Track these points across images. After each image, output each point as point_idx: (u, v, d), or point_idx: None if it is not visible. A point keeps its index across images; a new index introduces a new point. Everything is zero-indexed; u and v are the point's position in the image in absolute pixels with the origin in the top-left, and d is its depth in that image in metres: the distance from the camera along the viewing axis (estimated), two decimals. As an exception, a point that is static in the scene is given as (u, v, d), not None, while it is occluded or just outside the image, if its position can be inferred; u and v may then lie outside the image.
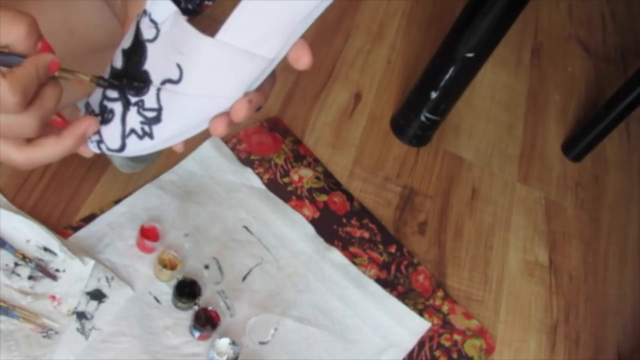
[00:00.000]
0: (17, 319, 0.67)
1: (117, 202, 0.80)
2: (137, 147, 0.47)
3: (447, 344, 0.85)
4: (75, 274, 0.71)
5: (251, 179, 0.88)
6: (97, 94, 0.48)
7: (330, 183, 0.94)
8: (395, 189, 0.99)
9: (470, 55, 0.91)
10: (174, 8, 0.42)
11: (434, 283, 0.90)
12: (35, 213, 0.76)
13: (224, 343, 0.71)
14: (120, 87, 0.46)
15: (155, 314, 0.73)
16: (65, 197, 0.79)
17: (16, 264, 0.70)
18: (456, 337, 0.86)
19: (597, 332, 0.97)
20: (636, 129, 1.29)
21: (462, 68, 0.94)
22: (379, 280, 0.86)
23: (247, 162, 0.90)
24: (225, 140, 0.91)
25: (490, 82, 1.21)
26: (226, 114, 0.45)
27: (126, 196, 0.80)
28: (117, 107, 0.46)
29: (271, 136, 0.95)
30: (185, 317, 0.74)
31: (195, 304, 0.74)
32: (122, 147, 0.47)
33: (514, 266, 0.98)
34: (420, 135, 1.05)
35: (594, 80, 1.34)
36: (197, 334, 0.72)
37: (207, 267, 0.78)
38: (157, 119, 0.45)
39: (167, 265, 0.74)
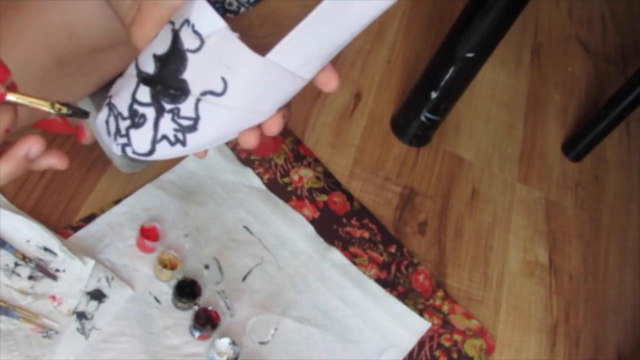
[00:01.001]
0: (17, 319, 0.67)
1: (117, 202, 0.80)
2: (166, 152, 0.47)
3: (447, 344, 0.85)
4: (75, 274, 0.71)
5: (251, 179, 0.88)
6: (125, 95, 0.48)
7: (330, 183, 0.94)
8: (395, 189, 0.99)
9: (470, 55, 0.91)
10: (222, 23, 0.42)
11: (434, 283, 0.90)
12: (35, 213, 0.76)
13: (224, 343, 0.71)
14: (153, 92, 0.46)
15: (155, 314, 0.73)
16: (65, 197, 0.79)
17: (16, 264, 0.70)
18: (456, 337, 0.86)
19: (597, 332, 0.97)
20: (636, 129, 1.29)
21: (462, 68, 0.94)
22: (379, 280, 0.86)
23: (247, 162, 0.90)
24: (225, 140, 0.91)
25: (490, 82, 1.21)
26: (257, 127, 0.47)
27: (126, 196, 0.80)
28: (150, 112, 0.46)
29: (271, 136, 0.94)
30: (185, 317, 0.74)
31: (195, 304, 0.74)
32: (151, 152, 0.48)
33: (514, 266, 0.98)
34: (420, 135, 1.05)
35: (594, 80, 1.34)
36: (197, 334, 0.72)
37: (207, 267, 0.78)
38: (193, 128, 0.46)
39: (167, 265, 0.74)
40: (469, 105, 1.15)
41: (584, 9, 1.49)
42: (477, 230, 1.00)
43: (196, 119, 0.46)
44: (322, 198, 0.91)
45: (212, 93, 0.44)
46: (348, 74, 1.10)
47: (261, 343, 0.76)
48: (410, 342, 0.82)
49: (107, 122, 0.50)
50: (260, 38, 0.47)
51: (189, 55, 0.44)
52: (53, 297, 0.70)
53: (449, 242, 0.96)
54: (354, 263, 0.86)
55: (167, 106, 0.46)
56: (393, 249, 0.91)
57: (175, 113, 0.46)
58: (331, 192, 0.93)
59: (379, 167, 1.00)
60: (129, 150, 0.48)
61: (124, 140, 0.48)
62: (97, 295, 0.71)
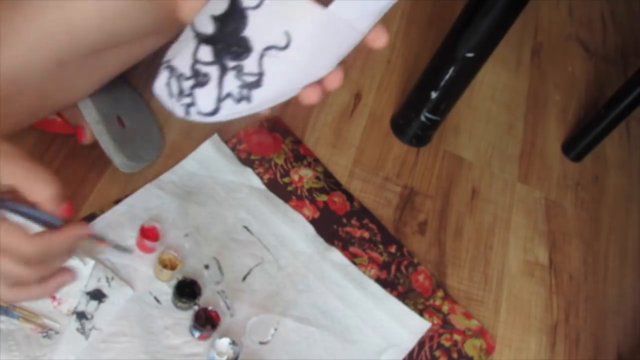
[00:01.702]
0: (17, 319, 0.67)
1: (117, 202, 0.80)
2: (232, 110, 0.48)
3: (447, 344, 0.85)
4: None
5: (251, 179, 0.88)
6: (185, 56, 0.48)
7: (330, 183, 0.94)
8: (395, 189, 0.99)
9: (470, 55, 0.91)
10: None
11: (434, 283, 0.90)
12: (35, 213, 0.76)
13: (224, 343, 0.71)
14: (215, 51, 0.46)
15: (155, 314, 0.73)
16: (65, 197, 0.79)
17: (16, 264, 0.70)
18: (456, 337, 0.86)
19: (597, 332, 0.97)
20: (636, 129, 1.29)
21: (462, 68, 0.94)
22: (379, 280, 0.86)
23: (247, 162, 0.90)
24: (225, 140, 0.91)
25: (490, 82, 1.21)
26: (318, 83, 0.48)
27: (126, 196, 0.80)
28: (213, 71, 0.47)
29: (271, 136, 0.95)
30: (185, 317, 0.74)
31: (195, 304, 0.74)
32: (216, 111, 0.48)
33: (514, 266, 0.98)
34: (420, 135, 1.05)
35: (594, 80, 1.34)
36: (197, 334, 0.72)
37: (207, 267, 0.78)
38: (257, 84, 0.46)
39: (167, 265, 0.74)
40: (469, 105, 1.15)
41: (584, 9, 1.49)
42: (477, 230, 1.00)
43: (260, 75, 0.46)
44: (322, 198, 0.91)
45: (275, 47, 0.45)
46: (348, 74, 1.10)
47: (261, 343, 0.76)
48: (410, 342, 0.82)
49: (167, 84, 0.50)
50: None
51: (249, 13, 0.45)
52: (53, 297, 0.70)
53: (449, 242, 0.97)
54: (354, 263, 0.86)
55: (230, 63, 0.46)
56: (393, 249, 0.91)
57: (239, 70, 0.46)
58: (331, 192, 0.93)
59: (379, 167, 1.00)
60: (192, 110, 0.48)
61: (188, 100, 0.48)
62: (97, 295, 0.71)
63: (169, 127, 0.89)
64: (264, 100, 0.48)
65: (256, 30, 0.45)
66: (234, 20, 0.45)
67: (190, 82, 0.48)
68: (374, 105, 1.08)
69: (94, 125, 0.75)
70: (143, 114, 0.87)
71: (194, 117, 0.49)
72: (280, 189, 0.90)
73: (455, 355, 0.84)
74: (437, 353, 0.83)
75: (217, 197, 0.85)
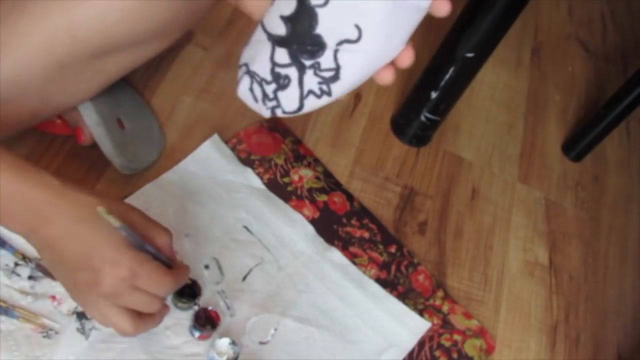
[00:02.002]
0: (17, 319, 0.67)
1: (117, 202, 0.80)
2: (314, 104, 0.50)
3: (447, 344, 0.85)
4: (75, 274, 0.71)
5: (251, 179, 0.88)
6: (263, 61, 0.50)
7: (330, 183, 0.94)
8: (395, 189, 0.99)
9: (470, 55, 0.91)
10: None
11: (434, 283, 0.90)
12: (35, 213, 0.76)
13: (224, 343, 0.71)
14: (291, 52, 0.48)
15: (155, 314, 0.73)
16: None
17: (16, 264, 0.70)
18: (456, 337, 0.86)
19: (597, 332, 0.97)
20: (636, 129, 1.29)
21: (462, 68, 0.94)
22: (379, 280, 0.86)
23: (247, 162, 0.90)
24: (225, 140, 0.91)
25: (490, 82, 1.21)
26: (391, 63, 0.50)
27: (126, 196, 0.80)
28: (292, 72, 0.49)
29: (271, 136, 0.95)
30: (185, 317, 0.74)
31: (195, 304, 0.74)
32: (300, 108, 0.50)
33: (514, 266, 0.98)
34: (420, 135, 1.05)
35: (594, 80, 1.34)
36: (197, 334, 0.72)
37: (207, 267, 0.78)
38: (335, 78, 0.48)
39: (167, 265, 0.74)
40: (469, 105, 1.15)
41: (584, 9, 1.49)
42: (477, 230, 1.00)
43: (337, 69, 0.48)
44: (322, 198, 0.91)
45: (348, 41, 0.46)
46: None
47: (261, 343, 0.76)
48: (410, 342, 0.82)
49: (251, 89, 0.52)
50: None
51: (318, 10, 0.46)
52: (53, 297, 0.70)
53: (449, 242, 0.97)
54: (354, 263, 0.86)
55: (307, 62, 0.48)
56: (393, 249, 0.91)
57: (316, 67, 0.48)
58: (331, 192, 0.93)
59: (379, 167, 1.00)
60: (278, 111, 0.51)
61: (273, 103, 0.50)
62: (97, 296, 0.71)
63: (169, 128, 0.89)
64: (343, 90, 0.50)
65: (327, 26, 0.46)
66: (305, 19, 0.47)
67: (272, 86, 0.50)
68: (374, 105, 1.08)
69: (93, 127, 0.75)
70: (143, 115, 0.87)
71: (279, 115, 0.52)
72: (280, 189, 0.90)
73: (455, 355, 0.84)
74: (437, 353, 0.83)
75: (217, 197, 0.85)
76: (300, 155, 0.95)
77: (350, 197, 0.93)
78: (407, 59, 0.50)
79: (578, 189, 1.14)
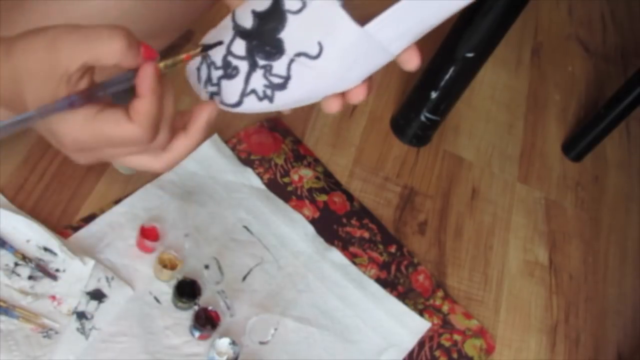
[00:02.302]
0: (17, 319, 0.67)
1: (117, 202, 0.80)
2: (253, 106, 0.49)
3: (447, 344, 0.85)
4: (75, 274, 0.71)
5: (251, 179, 0.88)
6: (220, 47, 0.49)
7: (330, 183, 0.94)
8: (395, 189, 0.99)
9: (470, 55, 0.91)
10: None
11: (434, 283, 0.90)
12: (35, 213, 0.76)
13: (224, 343, 0.71)
14: (249, 47, 0.47)
15: (155, 314, 0.73)
16: (65, 197, 0.79)
17: (16, 264, 0.70)
18: (456, 337, 0.86)
19: (597, 332, 0.97)
20: (636, 129, 1.29)
21: (462, 68, 0.94)
22: (379, 280, 0.86)
23: (247, 162, 0.90)
24: (225, 140, 0.91)
25: (490, 82, 1.21)
26: (341, 94, 0.49)
27: (126, 196, 0.80)
28: (243, 65, 0.48)
29: (271, 136, 0.95)
30: (185, 317, 0.74)
31: (195, 304, 0.74)
32: (238, 104, 0.49)
33: (514, 266, 0.98)
34: (420, 135, 1.05)
35: (594, 80, 1.34)
36: (197, 334, 0.72)
37: (207, 267, 0.78)
38: (282, 86, 0.47)
39: (167, 265, 0.74)
40: (469, 105, 1.15)
41: (584, 9, 1.49)
42: (477, 230, 1.00)
43: (287, 78, 0.47)
44: (322, 198, 0.91)
45: (306, 55, 0.46)
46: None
47: (261, 343, 0.76)
48: (410, 342, 0.82)
49: (198, 69, 0.51)
50: (356, 1, 0.48)
51: (289, 16, 0.45)
52: (53, 297, 0.70)
53: (449, 242, 0.96)
54: (354, 263, 0.86)
55: (261, 62, 0.47)
56: (393, 249, 0.91)
57: (267, 70, 0.47)
58: (331, 192, 0.93)
59: (379, 167, 1.00)
60: (217, 99, 0.50)
61: (214, 89, 0.49)
62: (97, 295, 0.71)
63: (169, 127, 0.89)
64: (285, 102, 0.49)
65: (292, 34, 0.46)
66: (274, 20, 0.46)
67: (219, 72, 0.49)
68: (374, 105, 1.08)
69: None
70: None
71: (218, 105, 0.50)
72: (280, 189, 0.90)
73: (455, 355, 0.84)
74: (437, 353, 0.83)
75: (217, 197, 0.85)
76: (300, 155, 0.95)
77: (350, 197, 0.93)
78: (359, 96, 0.49)
79: (578, 189, 1.14)
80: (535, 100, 1.24)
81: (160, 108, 0.44)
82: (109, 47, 0.42)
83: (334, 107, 0.49)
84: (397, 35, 0.45)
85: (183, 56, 0.46)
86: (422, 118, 1.01)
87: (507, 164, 1.11)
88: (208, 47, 0.48)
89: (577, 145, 1.16)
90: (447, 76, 0.95)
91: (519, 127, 1.18)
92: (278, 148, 0.94)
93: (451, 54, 0.93)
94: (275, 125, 0.96)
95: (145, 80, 0.43)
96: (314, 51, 0.45)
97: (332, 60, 0.45)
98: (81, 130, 0.43)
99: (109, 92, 0.44)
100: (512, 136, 1.16)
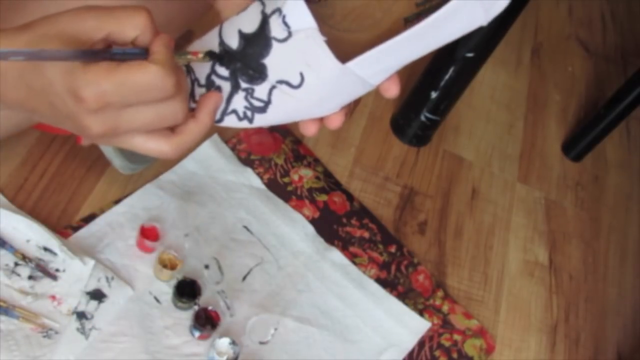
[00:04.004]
0: (17, 319, 0.67)
1: (117, 202, 0.80)
2: (232, 123, 0.50)
3: (447, 343, 0.85)
4: (75, 274, 0.71)
5: (251, 179, 0.88)
6: (205, 64, 0.50)
7: (330, 183, 0.94)
8: (395, 188, 0.99)
9: (470, 55, 0.92)
10: (313, 23, 0.44)
11: (434, 283, 0.90)
12: (35, 213, 0.76)
13: (224, 343, 0.71)
14: (233, 68, 0.48)
15: (155, 314, 0.73)
16: (65, 197, 0.79)
17: (16, 264, 0.70)
18: (456, 337, 0.86)
19: (597, 332, 0.97)
20: (636, 129, 1.29)
21: (462, 68, 0.94)
22: (379, 280, 0.86)
23: (247, 162, 0.90)
24: (225, 140, 0.91)
25: (490, 82, 1.21)
26: (319, 119, 0.50)
27: (126, 196, 0.80)
28: (226, 86, 0.48)
29: (271, 136, 0.95)
30: (185, 317, 0.74)
31: (195, 304, 0.74)
32: (218, 121, 0.50)
33: (514, 266, 0.98)
34: (420, 135, 1.05)
35: (594, 80, 1.34)
36: (197, 333, 0.72)
37: (207, 267, 0.78)
38: (262, 110, 0.48)
39: (167, 265, 0.74)
40: (469, 105, 1.15)
41: (584, 9, 1.49)
42: (477, 230, 1.00)
43: (267, 103, 0.48)
44: (322, 198, 0.91)
45: (288, 84, 0.46)
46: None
47: (261, 343, 0.76)
48: (410, 342, 0.82)
49: None
50: (339, 30, 0.49)
51: (274, 43, 0.46)
52: (53, 297, 0.70)
53: (449, 242, 0.96)
54: (354, 263, 0.86)
55: (243, 84, 0.48)
56: (393, 249, 0.91)
57: (249, 92, 0.48)
58: (331, 192, 0.93)
59: (379, 167, 1.00)
60: None
61: (195, 105, 0.50)
62: (97, 295, 0.71)
63: (169, 127, 0.89)
64: (263, 123, 0.50)
65: (275, 62, 0.46)
66: (259, 45, 0.47)
67: (202, 90, 0.49)
68: (373, 105, 1.08)
69: None
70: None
71: None
72: (280, 188, 0.90)
73: (455, 355, 0.84)
74: (437, 353, 0.83)
75: (217, 197, 0.85)
76: (300, 155, 0.95)
77: (350, 197, 0.93)
78: (335, 122, 0.50)
79: (578, 188, 1.14)
80: (535, 100, 1.24)
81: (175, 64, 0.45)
82: (133, 20, 0.44)
83: (311, 130, 0.51)
84: (377, 71, 0.47)
85: (191, 52, 0.47)
86: (422, 118, 1.01)
87: (507, 164, 1.11)
88: (213, 55, 0.48)
89: (577, 145, 1.16)
90: (447, 76, 0.95)
91: (519, 127, 1.18)
92: (278, 148, 0.94)
93: (451, 54, 0.93)
94: (275, 125, 0.96)
95: (164, 36, 0.45)
96: (295, 81, 0.46)
97: (312, 92, 0.46)
98: (106, 77, 0.42)
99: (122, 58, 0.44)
100: (512, 136, 1.16)
